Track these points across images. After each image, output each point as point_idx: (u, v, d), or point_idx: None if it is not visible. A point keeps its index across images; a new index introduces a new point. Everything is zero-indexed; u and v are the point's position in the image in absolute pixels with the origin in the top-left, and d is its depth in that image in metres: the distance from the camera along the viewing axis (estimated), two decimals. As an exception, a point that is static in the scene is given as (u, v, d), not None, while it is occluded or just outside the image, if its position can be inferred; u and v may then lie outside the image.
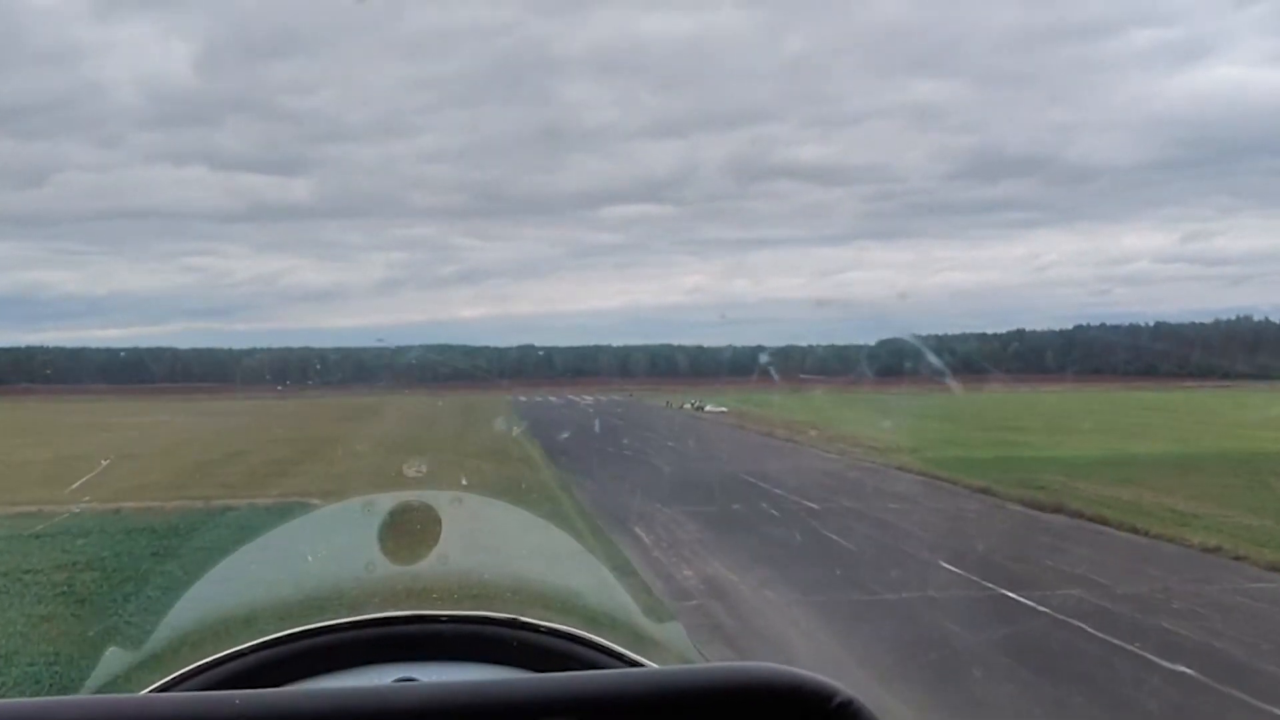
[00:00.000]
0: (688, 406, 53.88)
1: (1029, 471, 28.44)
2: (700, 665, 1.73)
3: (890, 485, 27.86)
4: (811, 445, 38.95)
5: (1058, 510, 23.31)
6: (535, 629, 1.80)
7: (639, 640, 2.14)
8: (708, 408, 52.71)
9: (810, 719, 1.29)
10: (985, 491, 26.13)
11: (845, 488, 27.16)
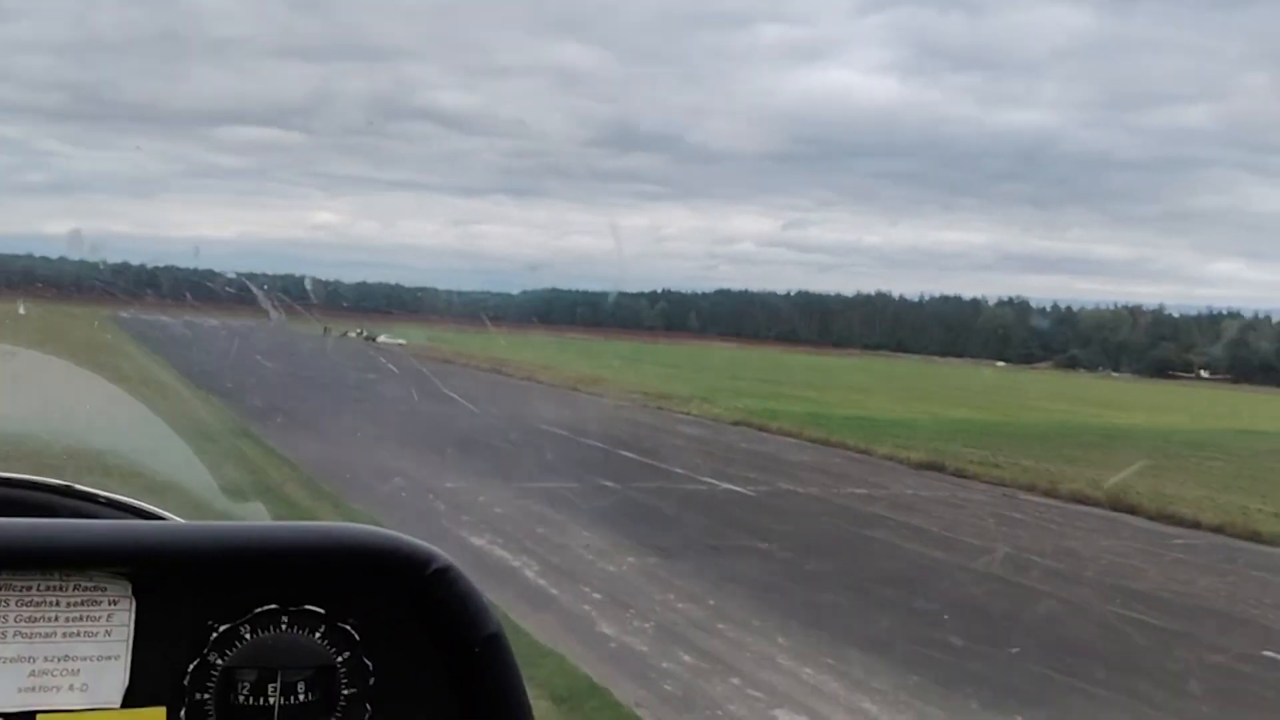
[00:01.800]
0: (353, 335, 42.67)
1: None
2: (295, 523, 1.42)
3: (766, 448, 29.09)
4: (589, 393, 39.71)
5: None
6: (92, 498, 1.50)
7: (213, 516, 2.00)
8: (381, 338, 42.26)
9: (407, 582, 1.27)
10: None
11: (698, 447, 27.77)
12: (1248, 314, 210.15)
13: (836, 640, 10.85)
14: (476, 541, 13.74)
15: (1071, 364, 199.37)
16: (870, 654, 10.42)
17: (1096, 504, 22.06)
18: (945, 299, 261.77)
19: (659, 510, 17.59)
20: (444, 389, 30.30)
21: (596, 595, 11.81)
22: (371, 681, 1.24)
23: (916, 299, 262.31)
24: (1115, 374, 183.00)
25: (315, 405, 27.95)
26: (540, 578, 12.57)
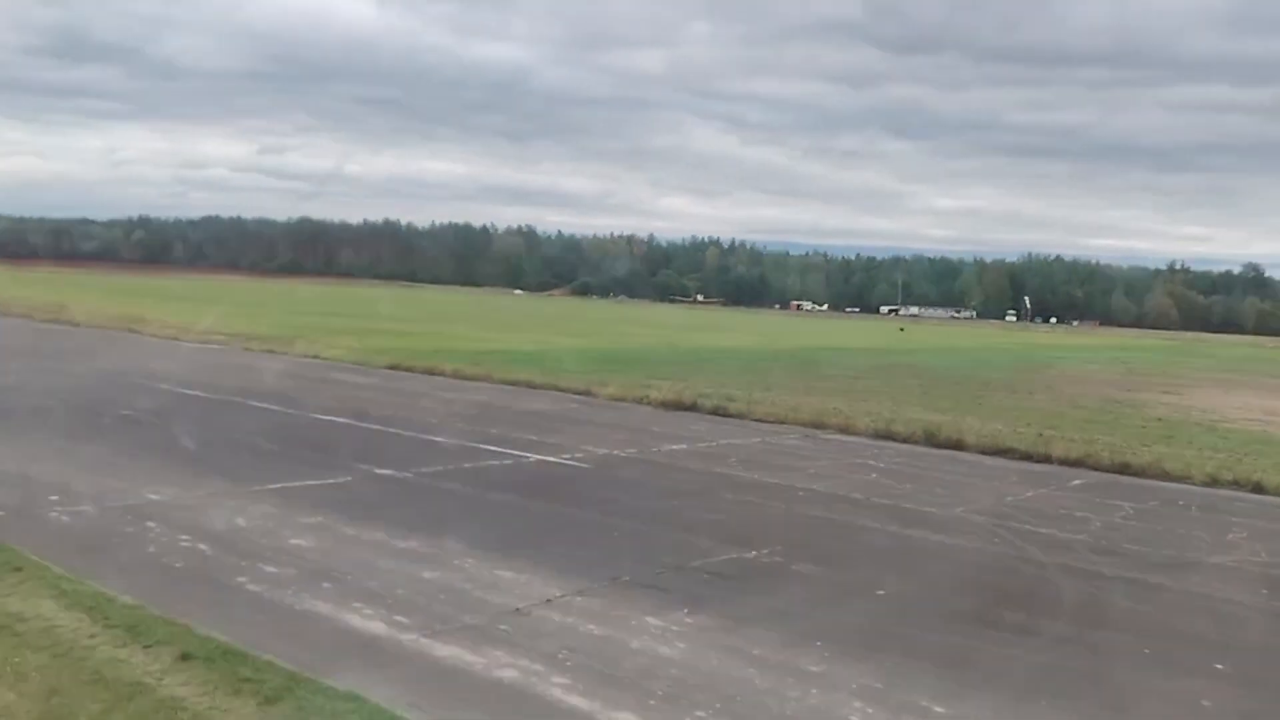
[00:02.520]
0: None
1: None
2: None
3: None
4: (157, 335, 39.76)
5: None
6: None
7: None
8: None
9: None
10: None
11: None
12: (725, 243, 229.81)
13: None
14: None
15: (584, 290, 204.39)
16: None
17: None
18: (455, 227, 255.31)
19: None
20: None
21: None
22: None
23: (426, 227, 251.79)
24: (628, 299, 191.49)
25: None
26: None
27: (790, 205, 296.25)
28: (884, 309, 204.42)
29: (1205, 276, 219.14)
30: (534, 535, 13.14)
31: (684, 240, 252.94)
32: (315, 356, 35.01)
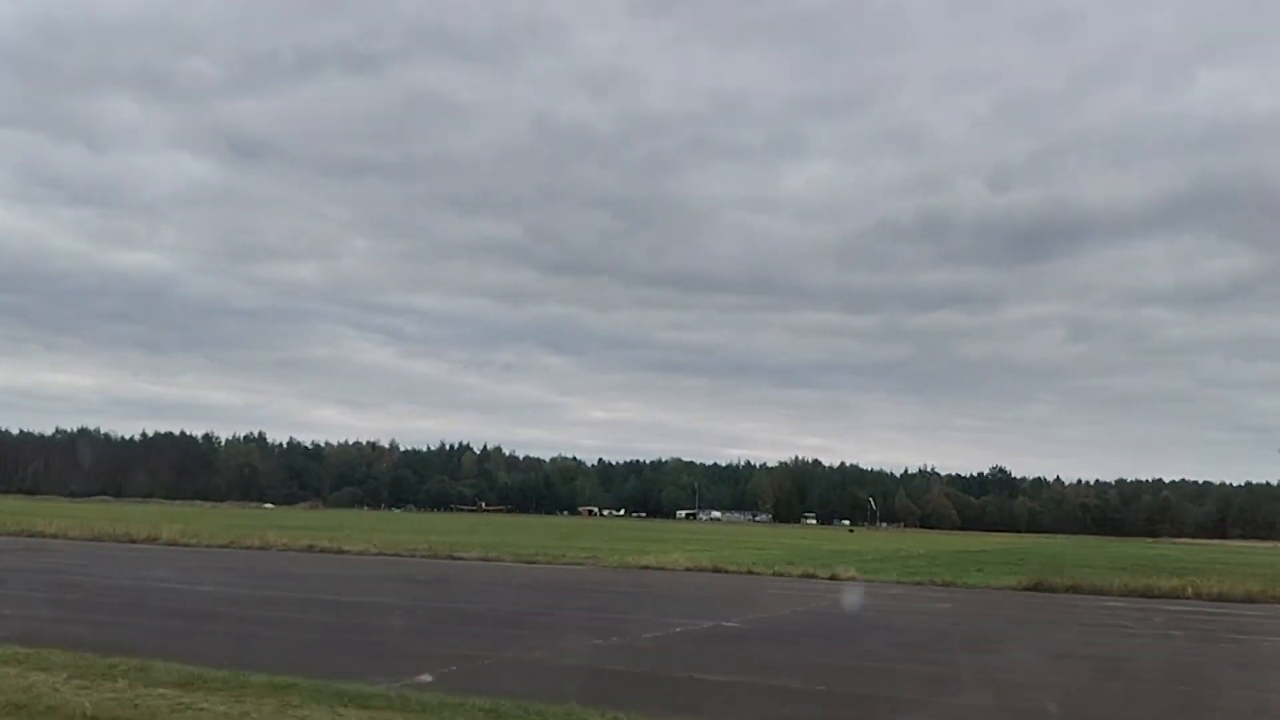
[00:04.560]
0: None
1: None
2: None
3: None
4: None
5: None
6: None
7: None
8: None
9: None
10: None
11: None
12: (475, 447, 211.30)
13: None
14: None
15: (355, 501, 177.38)
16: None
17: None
18: (172, 437, 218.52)
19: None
20: None
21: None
22: None
23: (133, 437, 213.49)
24: (414, 509, 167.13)
25: None
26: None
27: (447, 417, 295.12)
28: (681, 513, 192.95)
29: (959, 479, 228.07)
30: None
31: (427, 448, 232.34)
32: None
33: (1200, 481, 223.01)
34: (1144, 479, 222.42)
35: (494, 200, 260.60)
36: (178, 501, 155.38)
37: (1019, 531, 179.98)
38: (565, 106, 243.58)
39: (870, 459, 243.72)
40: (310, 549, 39.77)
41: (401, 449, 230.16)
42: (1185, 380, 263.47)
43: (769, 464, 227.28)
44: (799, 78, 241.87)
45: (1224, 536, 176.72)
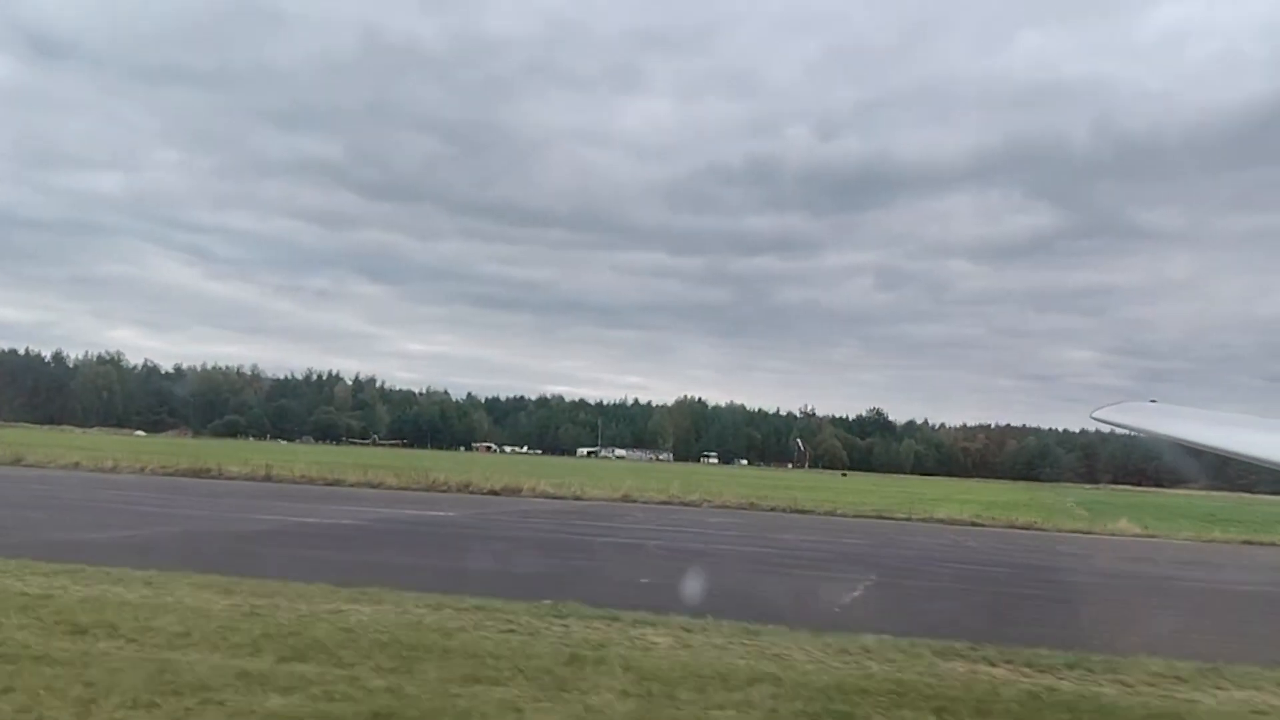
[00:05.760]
0: None
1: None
2: None
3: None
4: None
5: None
6: None
7: None
8: None
9: None
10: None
11: None
12: (349, 377, 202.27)
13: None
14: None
15: (233, 430, 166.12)
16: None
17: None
18: (17, 356, 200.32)
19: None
20: None
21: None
22: None
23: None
24: (311, 440, 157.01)
25: None
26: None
27: (254, 343, 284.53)
28: (583, 451, 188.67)
29: (842, 421, 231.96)
30: None
31: (290, 375, 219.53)
32: None
33: (1044, 428, 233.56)
34: (1000, 423, 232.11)
35: (315, 116, 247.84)
36: (45, 427, 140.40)
37: (906, 473, 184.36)
38: (397, 20, 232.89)
39: (700, 394, 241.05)
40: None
41: (270, 377, 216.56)
42: (981, 329, 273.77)
43: (665, 403, 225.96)
44: (641, 10, 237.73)
45: (1096, 481, 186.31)
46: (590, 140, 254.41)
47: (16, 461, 46.67)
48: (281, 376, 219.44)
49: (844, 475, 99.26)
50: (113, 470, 45.13)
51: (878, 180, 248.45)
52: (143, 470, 45.64)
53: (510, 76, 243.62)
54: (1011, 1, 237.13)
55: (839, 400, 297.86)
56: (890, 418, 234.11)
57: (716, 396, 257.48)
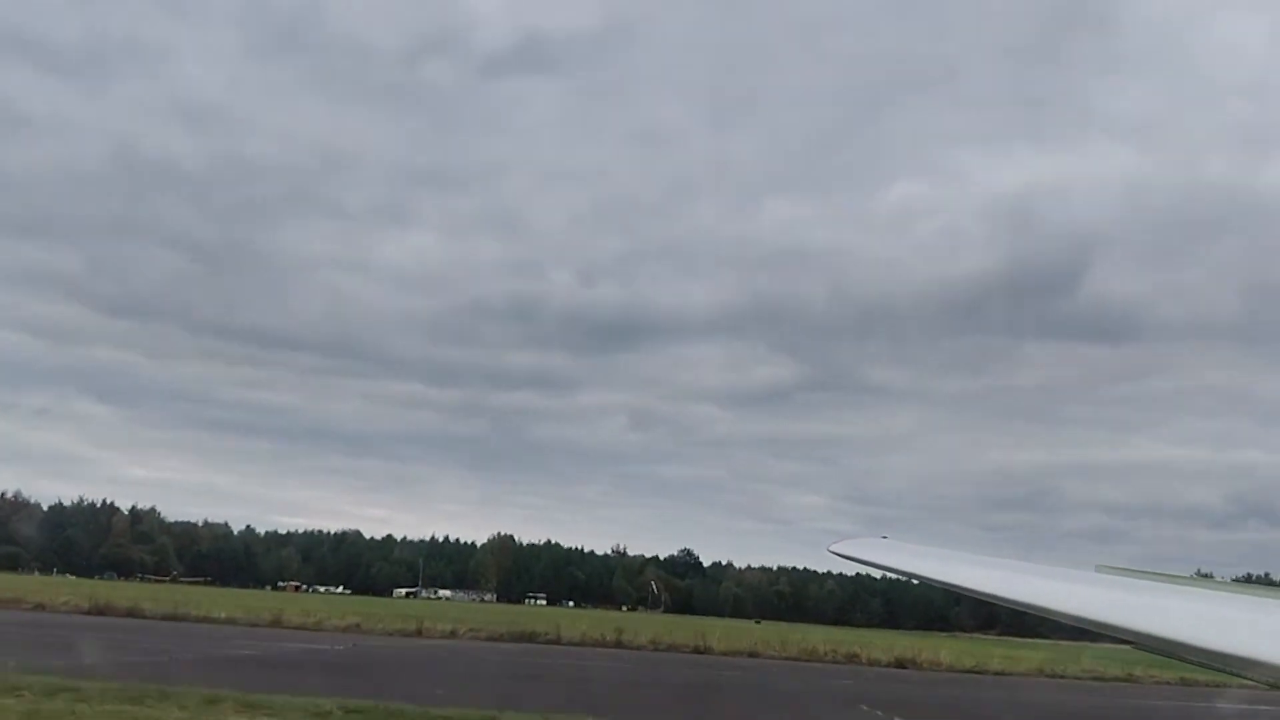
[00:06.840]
0: None
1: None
2: None
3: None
4: None
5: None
6: None
7: None
8: None
9: None
10: None
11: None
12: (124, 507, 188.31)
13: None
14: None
15: (11, 564, 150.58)
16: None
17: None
18: None
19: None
20: None
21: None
22: None
23: None
24: (114, 576, 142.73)
25: None
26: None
27: None
28: (401, 591, 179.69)
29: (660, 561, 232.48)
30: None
31: (59, 501, 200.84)
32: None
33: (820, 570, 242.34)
34: (799, 566, 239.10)
35: (53, 227, 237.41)
36: None
37: (728, 616, 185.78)
38: (155, 136, 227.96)
39: (438, 530, 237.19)
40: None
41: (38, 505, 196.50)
42: (723, 472, 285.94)
43: (478, 541, 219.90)
44: (412, 148, 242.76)
45: (899, 627, 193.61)
46: (352, 269, 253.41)
47: None
48: (54, 503, 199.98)
49: (758, 623, 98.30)
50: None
51: (635, 326, 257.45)
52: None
53: (271, 202, 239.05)
54: (762, 171, 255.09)
55: (650, 540, 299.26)
56: (700, 558, 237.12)
57: (527, 533, 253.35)
